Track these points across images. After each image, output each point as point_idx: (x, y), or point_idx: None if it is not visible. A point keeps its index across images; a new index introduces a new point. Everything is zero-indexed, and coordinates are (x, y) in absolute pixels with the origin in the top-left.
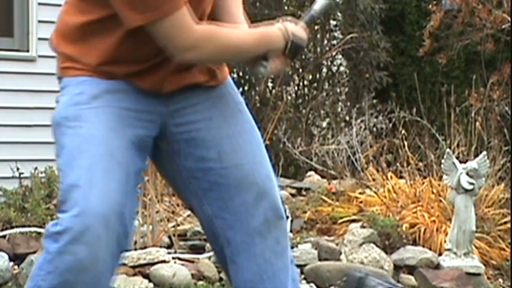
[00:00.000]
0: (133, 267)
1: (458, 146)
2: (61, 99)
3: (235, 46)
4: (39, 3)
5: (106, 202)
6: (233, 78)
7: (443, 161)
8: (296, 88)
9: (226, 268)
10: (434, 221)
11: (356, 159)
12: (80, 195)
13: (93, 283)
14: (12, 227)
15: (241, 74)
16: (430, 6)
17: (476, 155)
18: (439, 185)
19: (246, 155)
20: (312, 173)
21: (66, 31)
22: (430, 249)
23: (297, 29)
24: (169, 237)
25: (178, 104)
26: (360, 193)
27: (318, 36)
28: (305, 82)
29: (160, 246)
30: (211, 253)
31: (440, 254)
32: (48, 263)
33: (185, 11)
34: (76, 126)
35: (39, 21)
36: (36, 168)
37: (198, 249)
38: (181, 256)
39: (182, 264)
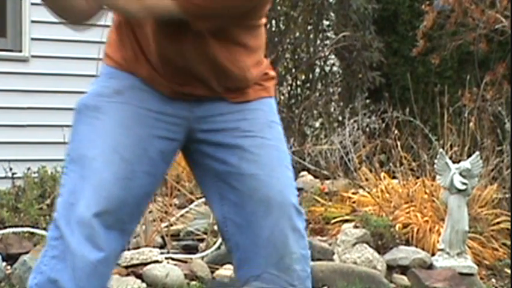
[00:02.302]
0: (126, 267)
1: (451, 146)
2: (91, 86)
3: None
4: (32, 4)
5: (100, 195)
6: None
7: (436, 161)
8: (289, 88)
9: (234, 269)
10: (427, 221)
11: (349, 160)
12: (76, 186)
13: (90, 269)
14: (5, 227)
15: None
16: (423, 6)
17: (469, 155)
18: (432, 185)
19: (263, 168)
20: (305, 173)
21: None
22: (423, 249)
23: None
24: (162, 237)
25: (206, 112)
26: (353, 193)
27: (311, 36)
28: (298, 82)
29: (153, 247)
30: (204, 253)
31: (433, 254)
32: (52, 249)
33: None
34: (93, 117)
35: (32, 22)
36: (29, 169)
37: (191, 250)
38: (174, 256)
39: (175, 264)
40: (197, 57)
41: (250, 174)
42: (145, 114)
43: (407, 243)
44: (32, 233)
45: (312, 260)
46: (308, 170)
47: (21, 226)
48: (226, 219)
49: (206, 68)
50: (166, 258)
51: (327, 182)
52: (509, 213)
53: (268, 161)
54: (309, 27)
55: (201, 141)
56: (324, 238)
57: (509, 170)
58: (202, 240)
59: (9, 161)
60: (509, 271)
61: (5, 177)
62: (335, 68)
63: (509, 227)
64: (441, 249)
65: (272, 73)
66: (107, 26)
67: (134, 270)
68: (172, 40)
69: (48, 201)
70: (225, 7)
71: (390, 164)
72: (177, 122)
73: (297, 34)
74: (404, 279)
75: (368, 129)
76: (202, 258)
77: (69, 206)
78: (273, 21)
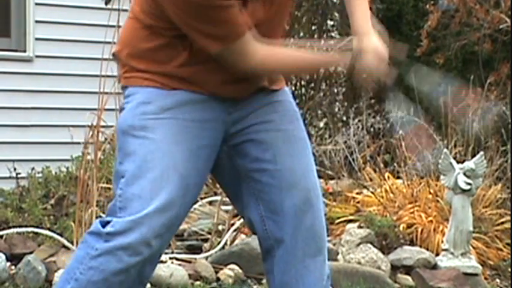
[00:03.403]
0: None
1: (455, 146)
2: (127, 106)
3: (294, 64)
4: (36, 4)
5: (164, 214)
6: None
7: (440, 161)
8: (293, 88)
9: (268, 269)
10: (431, 221)
11: (353, 159)
12: (141, 205)
13: (127, 283)
14: (9, 227)
15: None
16: (427, 6)
17: (473, 155)
18: (436, 185)
19: (299, 161)
20: None
21: (137, 52)
22: (427, 249)
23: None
24: None
25: (242, 111)
26: (357, 193)
27: (316, 36)
28: (302, 82)
29: None
30: (208, 253)
31: (437, 254)
32: (92, 259)
33: (248, 38)
34: (143, 137)
35: (36, 22)
36: (33, 169)
37: (195, 250)
38: (178, 256)
39: (180, 265)
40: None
41: (288, 168)
42: (192, 126)
43: (411, 243)
44: (36, 233)
45: None
46: None
47: (26, 226)
48: (264, 217)
49: None
50: (170, 258)
51: (332, 182)
52: None
53: (302, 154)
54: (314, 27)
55: (235, 139)
56: (329, 238)
57: None
58: (206, 240)
59: (13, 161)
60: None
61: (9, 177)
62: (339, 68)
63: None
64: (446, 250)
65: None
66: (111, 26)
67: None
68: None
69: (52, 201)
70: None
71: (395, 164)
72: (217, 127)
73: (302, 34)
74: (408, 279)
75: (372, 129)
76: (207, 258)
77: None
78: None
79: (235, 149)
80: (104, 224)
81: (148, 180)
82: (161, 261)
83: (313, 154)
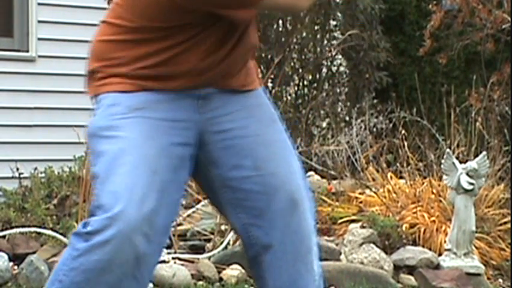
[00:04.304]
0: None
1: (458, 146)
2: (96, 112)
3: None
4: (39, 4)
5: (139, 209)
6: None
7: (443, 161)
8: (296, 88)
9: (258, 275)
10: (434, 221)
11: (355, 160)
12: (116, 201)
13: (115, 285)
14: (11, 227)
15: None
16: (430, 6)
17: (476, 155)
18: (439, 185)
19: (281, 164)
20: (312, 173)
21: (103, 59)
22: (430, 249)
23: None
24: (169, 237)
25: (214, 112)
26: (360, 193)
27: (318, 36)
28: (305, 82)
29: None
30: (211, 253)
31: (440, 254)
32: (73, 260)
33: None
34: (111, 136)
35: (39, 22)
36: (36, 169)
37: (198, 250)
38: (181, 256)
39: (182, 265)
40: (240, 45)
41: (270, 173)
42: (161, 125)
43: (414, 243)
44: (39, 233)
45: (319, 260)
46: (315, 170)
47: (28, 226)
48: (247, 224)
49: (243, 54)
50: (173, 258)
51: (334, 182)
52: None
53: (283, 156)
54: (316, 27)
55: (212, 145)
56: (331, 238)
57: None
58: (209, 240)
59: (16, 161)
60: None
61: (12, 177)
62: (341, 68)
63: None
64: (448, 249)
65: None
66: None
67: None
68: (230, 35)
69: (55, 201)
70: None
71: (397, 164)
72: (189, 127)
73: (304, 34)
74: (411, 279)
75: (375, 129)
76: (209, 258)
77: (108, 220)
78: (280, 21)
79: (211, 158)
80: (85, 225)
81: (120, 176)
82: (164, 261)
83: (316, 154)
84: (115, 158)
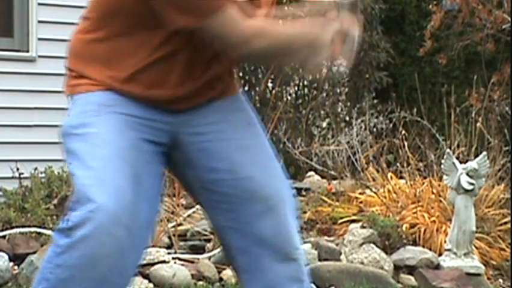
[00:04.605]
0: None
1: (458, 146)
2: (70, 113)
3: (286, 39)
4: (39, 4)
5: (117, 200)
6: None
7: (443, 161)
8: (296, 88)
9: (238, 276)
10: (434, 221)
11: (356, 160)
12: (91, 194)
13: (101, 279)
14: (12, 227)
15: (241, 74)
16: (430, 6)
17: (476, 155)
18: (439, 185)
19: (257, 168)
20: (312, 173)
21: (79, 49)
22: (430, 249)
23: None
24: (169, 237)
25: (189, 116)
26: (360, 193)
27: None
28: (305, 82)
29: (160, 247)
30: (211, 253)
31: (440, 254)
32: (57, 257)
33: (232, 10)
34: (84, 133)
35: (39, 22)
36: (36, 169)
37: (198, 250)
38: (181, 256)
39: (182, 265)
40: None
41: (246, 177)
42: (132, 121)
43: (414, 243)
44: (39, 233)
45: (319, 260)
46: (315, 170)
47: (28, 226)
48: (224, 227)
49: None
50: (173, 258)
51: (334, 182)
52: None
53: (260, 160)
54: None
55: (187, 146)
56: (331, 238)
57: None
58: (209, 240)
59: (16, 161)
60: None
61: (12, 178)
62: (342, 68)
63: None
64: (449, 250)
65: None
66: None
67: (141, 270)
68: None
69: (55, 202)
70: None
71: (398, 164)
72: (161, 127)
73: None
74: (411, 280)
75: (375, 129)
76: (209, 258)
77: (86, 213)
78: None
79: (188, 159)
80: (66, 221)
81: (95, 170)
82: (164, 261)
83: (317, 154)
84: (89, 153)
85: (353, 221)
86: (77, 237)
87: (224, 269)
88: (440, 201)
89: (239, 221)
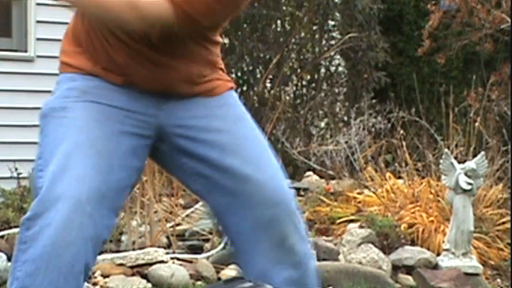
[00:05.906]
0: (131, 267)
1: (456, 146)
2: (54, 93)
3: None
4: (38, 4)
5: (79, 186)
6: (231, 78)
7: (441, 161)
8: (294, 88)
9: (237, 258)
10: (432, 221)
11: (354, 160)
12: (52, 180)
13: (67, 269)
14: (10, 227)
15: (239, 74)
16: (429, 6)
17: (474, 155)
18: (437, 185)
19: (250, 157)
20: (310, 173)
21: (73, 30)
22: (428, 249)
23: None
24: (168, 237)
25: (175, 109)
26: (358, 193)
27: (317, 36)
28: (303, 82)
29: (158, 247)
30: (210, 253)
31: (438, 254)
32: (23, 253)
33: None
34: (61, 117)
35: (38, 22)
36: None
37: (196, 250)
38: (180, 256)
39: (181, 265)
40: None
41: (237, 166)
42: (115, 112)
43: (413, 243)
44: None
45: (318, 260)
46: (314, 170)
47: None
48: (221, 212)
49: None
50: (172, 258)
51: (333, 182)
52: None
53: (250, 153)
54: (315, 28)
55: (175, 137)
56: (330, 238)
57: None
58: (207, 240)
59: (14, 161)
60: None
61: (11, 178)
62: (340, 68)
63: None
64: (447, 249)
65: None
66: None
67: (139, 270)
68: (169, 42)
69: None
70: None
71: (396, 164)
72: (146, 120)
73: (303, 34)
74: (409, 279)
75: (373, 129)
76: (208, 258)
77: (48, 201)
78: (278, 22)
79: (179, 147)
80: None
81: (61, 156)
82: (163, 261)
83: (315, 154)
84: (59, 138)
85: (351, 220)
86: (38, 228)
87: (222, 268)
88: (438, 201)
89: (237, 206)
